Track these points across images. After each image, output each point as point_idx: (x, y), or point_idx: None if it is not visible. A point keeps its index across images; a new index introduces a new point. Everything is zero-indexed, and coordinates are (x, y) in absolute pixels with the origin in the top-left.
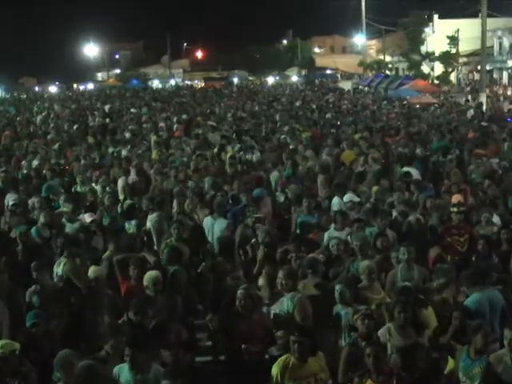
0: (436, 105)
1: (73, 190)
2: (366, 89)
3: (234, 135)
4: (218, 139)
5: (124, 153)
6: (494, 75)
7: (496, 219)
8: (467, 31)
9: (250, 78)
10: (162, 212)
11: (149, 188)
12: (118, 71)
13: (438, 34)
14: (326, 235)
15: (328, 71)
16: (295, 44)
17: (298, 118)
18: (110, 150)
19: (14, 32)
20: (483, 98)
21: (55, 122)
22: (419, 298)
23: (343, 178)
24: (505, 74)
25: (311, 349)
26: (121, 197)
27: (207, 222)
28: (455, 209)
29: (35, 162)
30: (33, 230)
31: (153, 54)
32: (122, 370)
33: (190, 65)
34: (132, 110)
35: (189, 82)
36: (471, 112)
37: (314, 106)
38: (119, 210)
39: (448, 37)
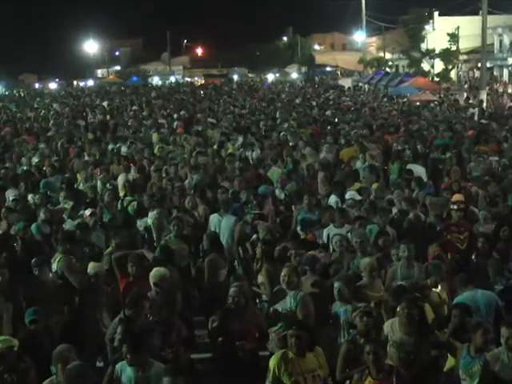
0: (436, 102)
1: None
2: (366, 86)
3: (234, 132)
4: (218, 136)
5: (124, 150)
6: (495, 73)
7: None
8: (467, 28)
9: (250, 75)
10: (162, 209)
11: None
12: (117, 68)
13: (439, 31)
14: (325, 232)
15: (328, 68)
16: (295, 41)
17: (297, 115)
18: (110, 146)
19: (15, 29)
20: (483, 96)
21: (55, 119)
22: (415, 295)
23: (343, 176)
24: (505, 72)
25: (309, 344)
26: (121, 194)
27: (214, 219)
28: (455, 206)
29: (35, 159)
30: (33, 227)
31: (153, 51)
32: (125, 368)
33: (190, 62)
34: (134, 107)
35: (189, 79)
36: (475, 110)
37: (314, 103)
38: (119, 206)
39: (448, 34)
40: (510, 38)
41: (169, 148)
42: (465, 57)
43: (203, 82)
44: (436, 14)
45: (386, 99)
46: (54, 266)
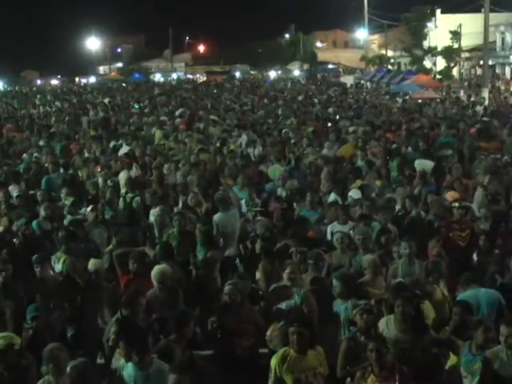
0: (438, 100)
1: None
2: (368, 84)
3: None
4: (219, 133)
5: (125, 147)
6: (497, 70)
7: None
8: (470, 26)
9: (252, 73)
10: (165, 206)
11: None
12: (119, 65)
13: (441, 28)
14: (328, 229)
15: (330, 66)
16: (297, 38)
17: (299, 113)
18: (112, 143)
19: (17, 26)
20: (485, 94)
21: (57, 116)
22: (416, 293)
23: (344, 173)
24: (507, 69)
25: (311, 341)
26: (123, 191)
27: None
28: (456, 204)
29: (36, 155)
30: (34, 223)
31: (155, 48)
32: (126, 365)
33: (192, 59)
34: (135, 105)
35: (191, 76)
36: (481, 108)
37: (316, 101)
38: (122, 203)
39: (450, 32)
40: None
41: (170, 145)
42: (467, 54)
43: (205, 79)
44: (438, 11)
45: (387, 97)
46: (59, 267)
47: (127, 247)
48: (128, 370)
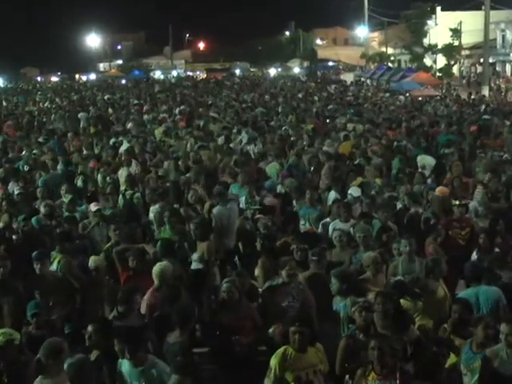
0: (438, 97)
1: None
2: (368, 81)
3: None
4: (219, 130)
5: (125, 144)
6: (497, 68)
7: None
8: (470, 23)
9: (252, 70)
10: (164, 203)
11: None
12: (119, 62)
13: (441, 26)
14: (330, 227)
15: (330, 63)
16: (297, 36)
17: (298, 110)
18: (112, 140)
19: (17, 23)
20: (486, 91)
21: (56, 113)
22: (414, 290)
23: (345, 170)
24: (508, 67)
25: (310, 339)
26: (122, 188)
27: (219, 211)
28: (457, 202)
29: (36, 152)
30: (33, 220)
31: (155, 45)
32: (123, 362)
33: (192, 56)
34: (135, 101)
35: (191, 73)
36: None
37: (316, 98)
38: (121, 200)
39: (451, 29)
40: None
41: (170, 142)
42: (467, 52)
43: (205, 76)
44: (438, 8)
45: (388, 94)
46: (54, 266)
47: (127, 244)
48: (124, 366)
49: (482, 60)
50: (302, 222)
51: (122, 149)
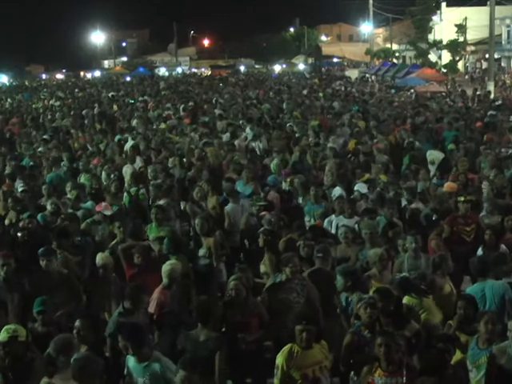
0: (443, 93)
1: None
2: (373, 77)
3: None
4: (224, 127)
5: (130, 141)
6: (503, 64)
7: None
8: (475, 19)
9: (257, 66)
10: (170, 199)
11: None
12: (124, 59)
13: (446, 22)
14: (334, 223)
15: (335, 59)
16: (302, 32)
17: (303, 107)
18: (117, 137)
19: (22, 20)
20: (491, 87)
21: (61, 110)
22: (419, 287)
23: (351, 166)
24: None
25: (316, 336)
26: (126, 185)
27: (232, 208)
28: (462, 198)
29: (41, 149)
30: (39, 217)
31: (159, 42)
32: (129, 358)
33: (197, 53)
34: (140, 98)
35: (195, 70)
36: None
37: (321, 95)
38: (126, 197)
39: (456, 25)
40: None
41: (176, 138)
42: (472, 48)
43: (210, 73)
44: (443, 4)
45: (393, 90)
46: None
47: (132, 241)
48: (130, 362)
49: (487, 56)
50: (307, 219)
51: (128, 146)
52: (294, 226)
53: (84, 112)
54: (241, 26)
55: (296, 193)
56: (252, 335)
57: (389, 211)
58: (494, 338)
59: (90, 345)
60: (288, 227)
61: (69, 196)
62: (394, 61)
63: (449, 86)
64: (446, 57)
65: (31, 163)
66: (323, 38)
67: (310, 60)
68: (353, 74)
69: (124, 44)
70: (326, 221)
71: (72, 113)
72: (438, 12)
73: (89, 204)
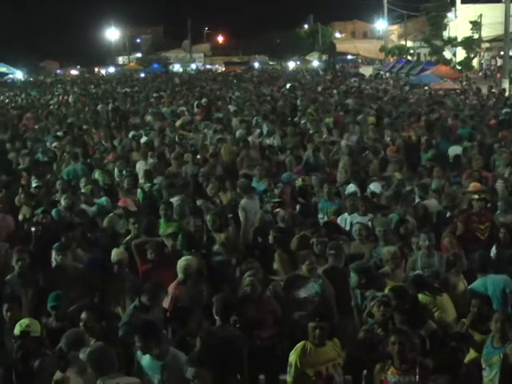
0: (458, 91)
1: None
2: (387, 74)
3: (255, 120)
4: (238, 123)
5: (144, 137)
6: None
7: None
8: (490, 16)
9: (271, 63)
10: (185, 195)
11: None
12: (138, 55)
13: (461, 19)
14: (348, 220)
15: (349, 56)
16: (316, 29)
17: (318, 104)
18: (131, 133)
19: (36, 16)
20: (506, 85)
21: (75, 107)
22: (433, 285)
23: (365, 163)
24: None
25: (329, 333)
26: (141, 181)
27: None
28: (476, 196)
29: (56, 144)
30: (53, 212)
31: (174, 39)
32: (142, 356)
33: (211, 49)
34: (154, 94)
35: (209, 67)
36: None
37: (335, 92)
38: (140, 193)
39: (471, 22)
40: None
41: (189, 135)
42: (487, 45)
43: (224, 69)
44: (458, 1)
45: (407, 87)
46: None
47: (146, 237)
48: (145, 360)
49: (502, 53)
50: (320, 216)
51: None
52: (307, 224)
53: (99, 107)
54: (255, 22)
55: (310, 190)
56: (267, 331)
57: (402, 209)
58: (508, 336)
59: (97, 337)
60: (301, 224)
61: (84, 190)
62: (409, 58)
63: (463, 84)
64: (461, 54)
65: (45, 158)
66: (337, 34)
67: (324, 57)
68: (367, 71)
69: (138, 40)
70: (339, 218)
71: (86, 109)
72: (453, 9)
73: (103, 200)
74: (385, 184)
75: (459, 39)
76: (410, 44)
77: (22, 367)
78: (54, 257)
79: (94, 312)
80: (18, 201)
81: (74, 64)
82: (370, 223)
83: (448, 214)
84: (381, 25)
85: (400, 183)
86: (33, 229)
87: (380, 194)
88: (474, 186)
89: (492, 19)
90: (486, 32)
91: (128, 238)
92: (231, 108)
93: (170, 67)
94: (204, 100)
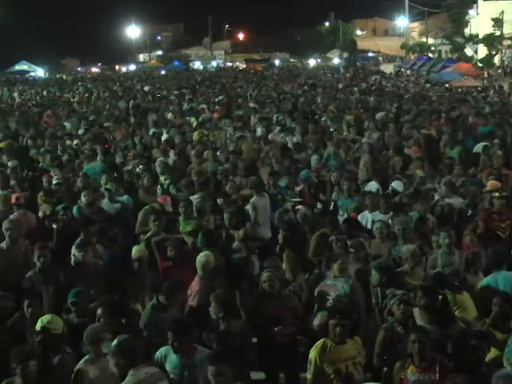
0: (479, 88)
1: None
2: (408, 72)
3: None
4: (257, 121)
5: (165, 134)
6: None
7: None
8: None
9: (292, 60)
10: (205, 193)
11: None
12: (159, 53)
13: (482, 15)
14: (369, 218)
15: (370, 54)
16: (337, 26)
17: (339, 101)
18: (152, 130)
19: (57, 14)
20: None
21: (96, 104)
22: (453, 283)
23: (386, 161)
24: None
25: (350, 331)
26: (161, 178)
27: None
28: (497, 194)
29: (76, 142)
30: (75, 209)
31: (194, 36)
32: (168, 354)
33: (232, 46)
34: (175, 91)
35: (230, 64)
36: None
37: (356, 89)
38: (159, 190)
39: (492, 19)
40: None
41: (209, 132)
42: (509, 42)
43: (244, 66)
44: None
45: (428, 85)
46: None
47: (166, 234)
48: (171, 358)
49: None
50: (340, 213)
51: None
52: (326, 221)
53: (119, 103)
54: (275, 19)
55: (329, 187)
56: (287, 329)
57: (423, 207)
58: None
59: (112, 333)
60: (320, 223)
61: (108, 187)
62: (430, 55)
63: (485, 81)
64: (482, 51)
65: (64, 156)
66: (358, 32)
67: (345, 54)
68: (387, 68)
69: (159, 38)
70: (359, 216)
71: (107, 106)
72: (475, 6)
73: (124, 198)
74: (406, 182)
75: (481, 36)
76: (431, 41)
77: (42, 363)
78: (75, 253)
79: (109, 308)
80: (39, 198)
81: (95, 62)
82: (390, 221)
83: (469, 212)
84: (402, 22)
85: (421, 181)
86: (54, 226)
87: (402, 191)
88: (492, 184)
89: None
90: (508, 29)
91: (148, 235)
92: (251, 105)
93: (191, 64)
94: (221, 97)
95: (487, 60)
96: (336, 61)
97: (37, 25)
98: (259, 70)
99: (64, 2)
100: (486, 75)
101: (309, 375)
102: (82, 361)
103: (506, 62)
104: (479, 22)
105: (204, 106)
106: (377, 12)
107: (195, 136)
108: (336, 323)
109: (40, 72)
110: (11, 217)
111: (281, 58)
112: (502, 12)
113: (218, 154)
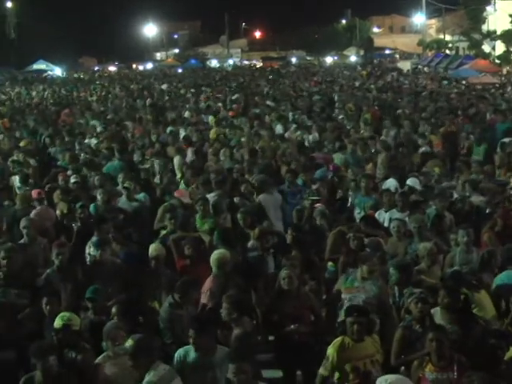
0: (497, 85)
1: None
2: (426, 69)
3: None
4: (274, 119)
5: (182, 132)
6: None
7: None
8: None
9: (308, 58)
10: (222, 191)
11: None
12: (176, 51)
13: (500, 12)
14: (387, 216)
15: (387, 51)
16: (354, 24)
17: (356, 99)
18: (169, 128)
19: (74, 12)
20: None
21: (113, 102)
22: (471, 282)
23: (402, 159)
24: None
25: (368, 329)
26: (178, 175)
27: (264, 198)
28: None
29: (93, 141)
30: (92, 207)
31: (211, 34)
32: (188, 353)
33: (248, 44)
34: (192, 90)
35: (247, 62)
36: None
37: (373, 87)
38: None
39: (510, 15)
40: None
41: (226, 130)
42: None
43: (261, 64)
44: None
45: (446, 82)
46: (92, 251)
47: (182, 232)
48: (191, 357)
49: None
50: (357, 211)
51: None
52: (342, 219)
53: (138, 102)
54: (292, 17)
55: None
56: (304, 327)
57: (440, 204)
58: None
59: (128, 331)
60: (337, 220)
61: (126, 185)
62: (447, 52)
63: (503, 78)
64: (500, 47)
65: (82, 154)
66: (375, 29)
67: (362, 52)
68: (405, 65)
69: (176, 36)
70: (377, 213)
71: (124, 104)
72: (492, 2)
73: (141, 196)
74: (423, 179)
75: (498, 32)
76: (448, 38)
77: (61, 360)
78: (92, 251)
79: (123, 307)
80: (56, 196)
81: (112, 60)
82: (407, 219)
83: (488, 210)
84: (419, 19)
85: (439, 178)
86: (74, 225)
87: (420, 189)
88: None
89: None
90: None
91: (164, 233)
92: (268, 103)
93: (208, 62)
94: (236, 96)
95: (505, 57)
96: (353, 58)
97: (54, 24)
98: (276, 67)
99: (81, 1)
100: (503, 72)
101: (322, 370)
102: (100, 356)
103: None
104: (497, 19)
105: (220, 104)
106: (394, 9)
107: (212, 134)
108: (353, 321)
109: (58, 71)
110: (32, 214)
111: (297, 55)
112: None
113: (234, 151)
